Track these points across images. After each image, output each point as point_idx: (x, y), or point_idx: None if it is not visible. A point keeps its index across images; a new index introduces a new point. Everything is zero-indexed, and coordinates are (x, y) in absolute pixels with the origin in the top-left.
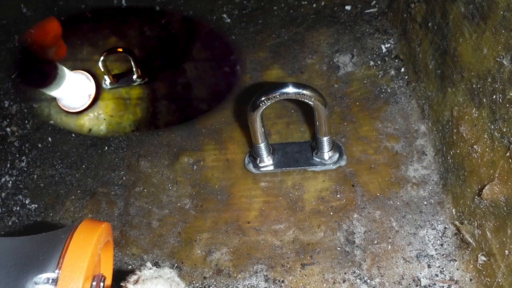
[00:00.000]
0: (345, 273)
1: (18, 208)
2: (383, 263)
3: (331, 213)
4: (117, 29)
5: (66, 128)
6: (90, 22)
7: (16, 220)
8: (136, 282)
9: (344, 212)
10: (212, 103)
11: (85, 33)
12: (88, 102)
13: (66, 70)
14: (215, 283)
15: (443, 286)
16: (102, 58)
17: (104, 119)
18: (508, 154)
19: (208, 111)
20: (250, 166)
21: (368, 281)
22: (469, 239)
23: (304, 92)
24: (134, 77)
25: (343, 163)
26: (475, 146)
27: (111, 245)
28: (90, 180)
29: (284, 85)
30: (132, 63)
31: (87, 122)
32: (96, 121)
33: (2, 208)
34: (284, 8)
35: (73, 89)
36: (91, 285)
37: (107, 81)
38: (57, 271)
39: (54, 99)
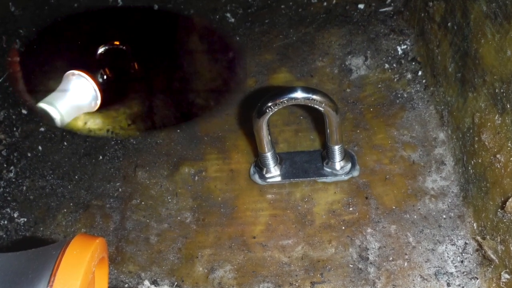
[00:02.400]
0: None
1: (6, 222)
2: (399, 281)
3: (343, 228)
4: (113, 24)
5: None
6: (84, 17)
7: (4, 235)
8: None
9: (357, 226)
10: (211, 105)
11: (78, 29)
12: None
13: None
14: None
15: None
16: (98, 52)
17: (100, 113)
18: None
19: (209, 117)
20: (256, 177)
21: None
22: (492, 256)
23: (314, 97)
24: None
25: (356, 173)
26: (498, 155)
27: (106, 262)
28: (84, 192)
29: (292, 89)
30: (128, 57)
31: (81, 116)
32: (91, 115)
33: None
34: (293, 7)
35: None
36: None
37: (102, 75)
38: None
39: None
